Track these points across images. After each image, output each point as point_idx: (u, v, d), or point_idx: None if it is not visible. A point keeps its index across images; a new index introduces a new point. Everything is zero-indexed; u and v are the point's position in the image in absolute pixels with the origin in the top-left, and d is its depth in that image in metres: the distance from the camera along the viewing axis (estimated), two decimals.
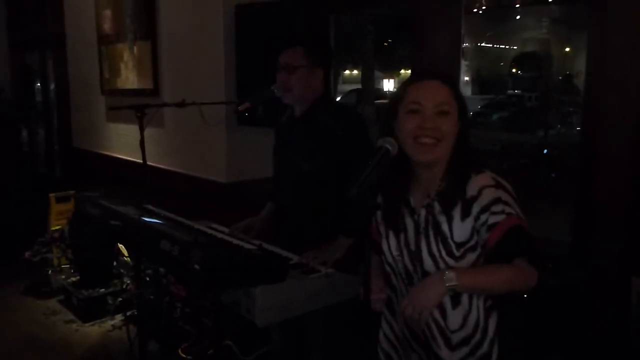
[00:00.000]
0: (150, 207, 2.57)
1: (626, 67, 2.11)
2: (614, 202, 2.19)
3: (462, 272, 1.42)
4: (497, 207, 1.41)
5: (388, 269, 1.62)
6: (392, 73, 18.39)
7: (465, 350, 1.50)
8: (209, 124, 2.57)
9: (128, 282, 4.10)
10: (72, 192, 4.28)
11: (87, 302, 3.78)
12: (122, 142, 4.51)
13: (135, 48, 4.10)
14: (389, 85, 19.15)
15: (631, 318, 2.15)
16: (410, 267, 1.54)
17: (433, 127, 1.46)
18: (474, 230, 1.44)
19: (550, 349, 2.29)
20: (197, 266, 1.57)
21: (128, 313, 3.62)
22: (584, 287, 2.29)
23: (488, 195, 1.42)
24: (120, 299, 4.01)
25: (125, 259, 4.11)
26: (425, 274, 1.50)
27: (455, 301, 1.50)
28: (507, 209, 1.41)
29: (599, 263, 2.25)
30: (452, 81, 1.55)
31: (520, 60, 12.55)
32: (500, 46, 13.66)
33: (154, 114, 2.56)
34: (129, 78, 4.21)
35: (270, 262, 1.75)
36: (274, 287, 1.75)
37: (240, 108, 2.20)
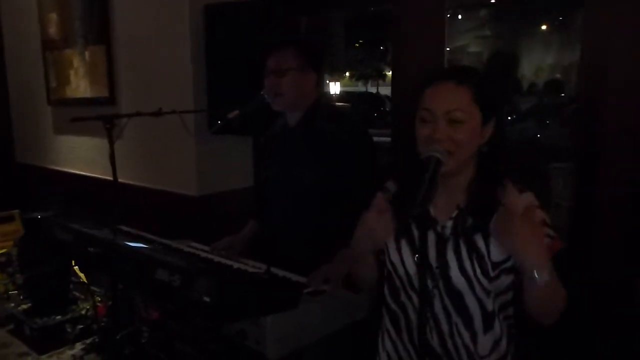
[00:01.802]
0: (124, 228, 2.33)
1: (628, 66, 2.07)
2: (615, 203, 2.14)
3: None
4: (543, 230, 1.29)
5: (398, 283, 1.47)
6: (337, 76, 18.40)
7: None
8: (191, 134, 2.36)
9: (87, 307, 3.79)
10: (16, 211, 3.93)
11: (42, 332, 3.45)
12: (74, 156, 4.17)
13: (86, 53, 3.79)
14: (335, 88, 19.13)
15: (638, 321, 2.11)
16: (429, 283, 1.39)
17: (444, 138, 1.30)
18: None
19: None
20: (206, 298, 1.37)
21: (88, 341, 3.32)
22: (586, 292, 2.24)
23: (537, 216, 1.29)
24: (81, 327, 3.70)
25: (83, 281, 3.80)
26: (452, 291, 1.37)
27: (488, 325, 1.37)
28: (552, 232, 1.32)
29: (600, 267, 2.20)
30: (474, 79, 1.35)
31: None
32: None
33: (125, 126, 2.32)
34: (80, 86, 3.89)
35: (282, 288, 1.57)
36: (285, 315, 1.57)
37: (230, 116, 2.01)
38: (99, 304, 2.74)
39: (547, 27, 8.01)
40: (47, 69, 4.25)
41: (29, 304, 3.80)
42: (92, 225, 2.13)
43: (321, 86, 2.12)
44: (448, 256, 1.37)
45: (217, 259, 1.89)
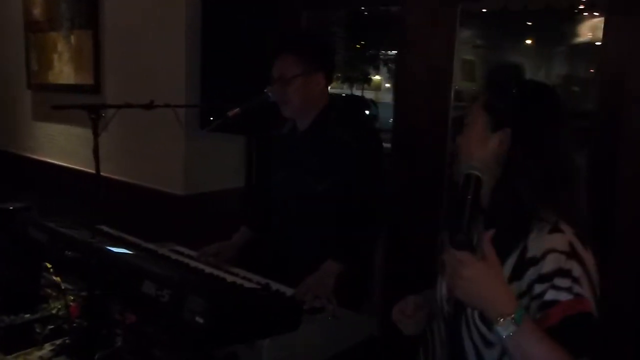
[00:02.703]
0: (104, 228, 2.15)
1: None
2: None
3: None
4: (563, 282, 1.07)
5: (434, 310, 1.37)
6: None
7: None
8: (182, 129, 2.18)
9: (58, 306, 3.59)
10: None
11: (9, 331, 3.26)
12: (53, 145, 3.96)
13: (72, 37, 3.58)
14: None
15: None
16: (452, 311, 1.28)
17: (456, 143, 1.29)
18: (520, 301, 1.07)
19: None
20: (199, 319, 1.21)
21: (58, 342, 3.12)
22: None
23: (553, 262, 1.08)
24: (51, 327, 3.49)
25: (55, 279, 3.60)
26: (482, 322, 1.19)
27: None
28: (577, 289, 1.06)
29: (620, 291, 2.08)
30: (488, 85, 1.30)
31: None
32: None
33: (112, 117, 2.14)
34: (64, 72, 3.68)
35: (282, 308, 1.41)
36: (283, 338, 1.42)
37: (230, 114, 1.85)
38: (71, 303, 2.54)
39: (532, 42, 8.07)
40: (28, 52, 4.03)
41: None
42: (70, 225, 1.95)
43: (331, 82, 1.98)
44: None
45: (207, 269, 1.72)
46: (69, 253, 1.68)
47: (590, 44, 5.01)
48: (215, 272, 1.67)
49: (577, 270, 1.08)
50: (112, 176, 3.20)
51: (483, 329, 1.19)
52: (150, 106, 2.08)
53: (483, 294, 0.99)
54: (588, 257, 1.11)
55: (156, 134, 3.01)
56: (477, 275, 0.98)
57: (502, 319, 0.97)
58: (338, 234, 1.85)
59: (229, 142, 3.04)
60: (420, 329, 1.36)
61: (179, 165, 2.98)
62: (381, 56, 14.47)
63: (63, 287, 3.59)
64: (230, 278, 1.61)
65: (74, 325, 2.55)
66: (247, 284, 1.58)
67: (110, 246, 1.66)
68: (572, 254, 1.09)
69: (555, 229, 1.12)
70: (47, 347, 3.35)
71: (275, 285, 1.62)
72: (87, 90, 3.44)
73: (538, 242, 1.12)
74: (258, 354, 1.38)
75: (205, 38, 2.80)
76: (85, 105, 2.14)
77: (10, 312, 3.69)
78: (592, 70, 3.38)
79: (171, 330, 1.34)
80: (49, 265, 3.64)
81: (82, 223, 2.10)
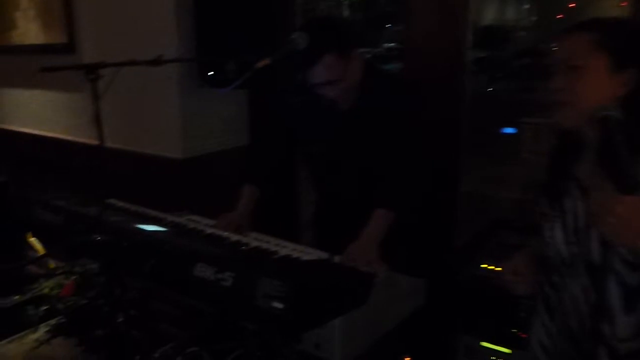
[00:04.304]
0: (115, 202, 1.93)
1: None
2: None
3: None
4: None
5: (553, 261, 1.31)
6: None
7: None
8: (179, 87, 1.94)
9: (49, 285, 3.37)
10: None
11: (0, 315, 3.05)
12: (22, 113, 3.62)
13: None
14: None
15: None
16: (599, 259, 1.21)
17: (559, 88, 1.19)
18: None
19: None
20: (277, 304, 1.05)
21: (53, 322, 2.94)
22: None
23: None
24: (46, 307, 3.29)
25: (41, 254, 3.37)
26: (590, 267, 1.21)
27: (630, 305, 1.20)
28: None
29: None
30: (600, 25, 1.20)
31: None
32: None
33: (114, 78, 1.89)
34: (31, 30, 3.32)
35: (354, 281, 1.27)
36: (355, 313, 1.28)
37: (258, 65, 1.63)
38: (64, 281, 2.35)
39: None
40: None
41: None
42: (80, 202, 1.73)
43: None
44: (591, 229, 1.20)
45: (253, 242, 1.54)
46: (98, 237, 1.47)
47: None
48: (264, 245, 1.50)
49: None
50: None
51: (592, 272, 1.21)
52: (158, 62, 1.85)
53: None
54: None
55: (149, 94, 2.75)
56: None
57: None
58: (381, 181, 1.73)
59: (229, 98, 2.82)
60: (531, 288, 1.36)
61: (175, 127, 2.74)
62: None
63: (53, 265, 3.35)
64: (284, 251, 1.43)
65: (69, 303, 2.35)
66: (314, 258, 1.41)
67: (138, 223, 1.46)
68: None
69: None
70: (42, 329, 3.10)
71: (313, 252, 1.47)
72: (60, 50, 3.11)
73: None
74: (330, 334, 1.24)
75: None
76: (82, 65, 1.88)
77: None
78: None
79: (240, 317, 1.17)
80: (32, 240, 3.39)
81: (89, 198, 1.89)
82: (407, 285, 1.56)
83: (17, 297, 3.22)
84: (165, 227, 1.45)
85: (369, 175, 1.78)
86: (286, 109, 1.98)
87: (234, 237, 1.55)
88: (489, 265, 2.15)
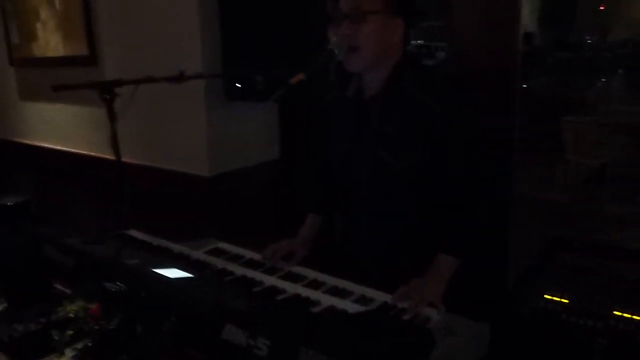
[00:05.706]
0: (134, 233, 1.75)
1: None
2: None
3: None
4: None
5: None
6: None
7: None
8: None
9: (75, 308, 3.24)
10: None
11: (23, 340, 2.91)
12: (46, 127, 3.50)
13: (56, 1, 3.09)
14: None
15: None
16: None
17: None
18: None
19: None
20: None
21: (79, 346, 2.79)
22: None
23: None
24: (71, 332, 3.15)
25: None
26: None
27: None
28: None
29: None
30: None
31: None
32: None
33: (132, 96, 1.72)
34: (51, 43, 3.19)
35: (414, 340, 1.05)
36: None
37: (292, 81, 1.44)
38: (90, 305, 2.20)
39: None
40: (6, 22, 3.53)
41: (5, 305, 3.23)
42: (95, 239, 1.55)
43: (409, 38, 1.55)
44: None
45: (290, 288, 1.32)
46: (112, 285, 1.29)
47: None
48: (304, 291, 1.28)
49: None
50: (127, 160, 2.79)
51: None
52: (180, 78, 1.67)
53: None
54: None
55: (174, 110, 2.58)
56: None
57: None
58: (444, 223, 1.50)
59: (254, 110, 2.63)
60: None
61: (201, 143, 2.56)
62: None
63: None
64: (326, 299, 1.22)
65: (97, 328, 2.18)
66: (358, 309, 1.19)
67: (158, 268, 1.26)
68: None
69: None
70: (69, 353, 2.90)
71: (349, 285, 1.25)
72: (82, 63, 2.98)
73: None
74: None
75: None
76: (95, 83, 1.73)
77: (23, 318, 3.31)
78: None
79: None
80: None
81: (106, 230, 1.73)
82: (469, 332, 1.34)
83: (42, 319, 3.10)
84: (188, 271, 1.25)
85: (405, 185, 1.53)
86: (324, 120, 1.77)
87: (269, 281, 1.34)
88: (553, 296, 1.89)
